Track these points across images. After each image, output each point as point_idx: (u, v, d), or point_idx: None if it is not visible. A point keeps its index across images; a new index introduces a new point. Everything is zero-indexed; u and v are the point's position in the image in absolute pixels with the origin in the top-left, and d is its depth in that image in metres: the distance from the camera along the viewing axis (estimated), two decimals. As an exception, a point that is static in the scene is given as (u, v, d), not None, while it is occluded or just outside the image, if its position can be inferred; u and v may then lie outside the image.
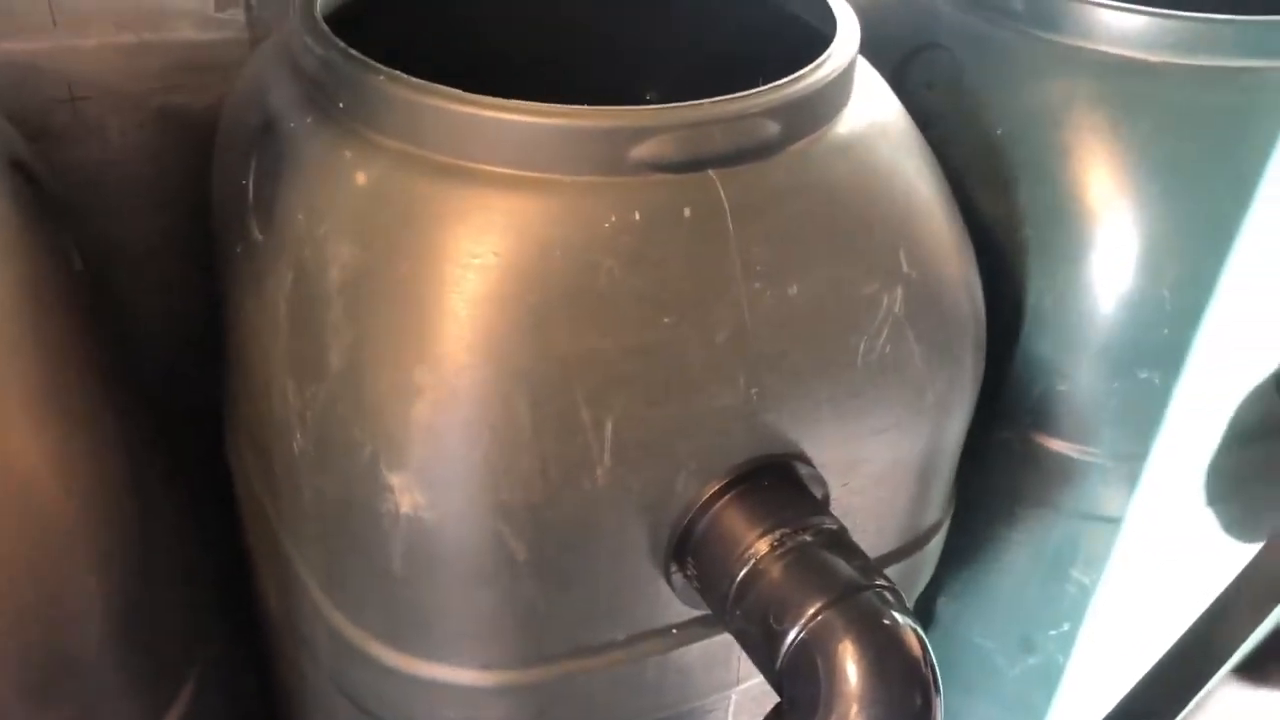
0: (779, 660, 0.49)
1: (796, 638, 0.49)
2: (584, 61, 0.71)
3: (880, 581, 0.51)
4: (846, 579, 0.50)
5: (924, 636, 0.49)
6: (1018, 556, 0.77)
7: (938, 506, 0.66)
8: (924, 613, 0.84)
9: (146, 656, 0.54)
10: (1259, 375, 0.70)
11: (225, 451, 0.71)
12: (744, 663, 0.61)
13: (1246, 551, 0.82)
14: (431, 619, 0.54)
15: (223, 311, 0.66)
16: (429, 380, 0.49)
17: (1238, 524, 0.80)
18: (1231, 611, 0.82)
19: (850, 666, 0.48)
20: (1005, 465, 0.74)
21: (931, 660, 0.49)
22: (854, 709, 0.47)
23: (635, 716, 0.60)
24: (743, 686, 0.62)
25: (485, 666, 0.55)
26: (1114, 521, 0.74)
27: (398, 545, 0.52)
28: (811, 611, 0.49)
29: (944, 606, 0.83)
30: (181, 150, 0.79)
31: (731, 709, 0.63)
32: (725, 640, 0.59)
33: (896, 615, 0.49)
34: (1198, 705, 0.71)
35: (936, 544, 0.68)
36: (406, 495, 0.50)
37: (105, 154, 0.77)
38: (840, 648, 0.48)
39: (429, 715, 0.57)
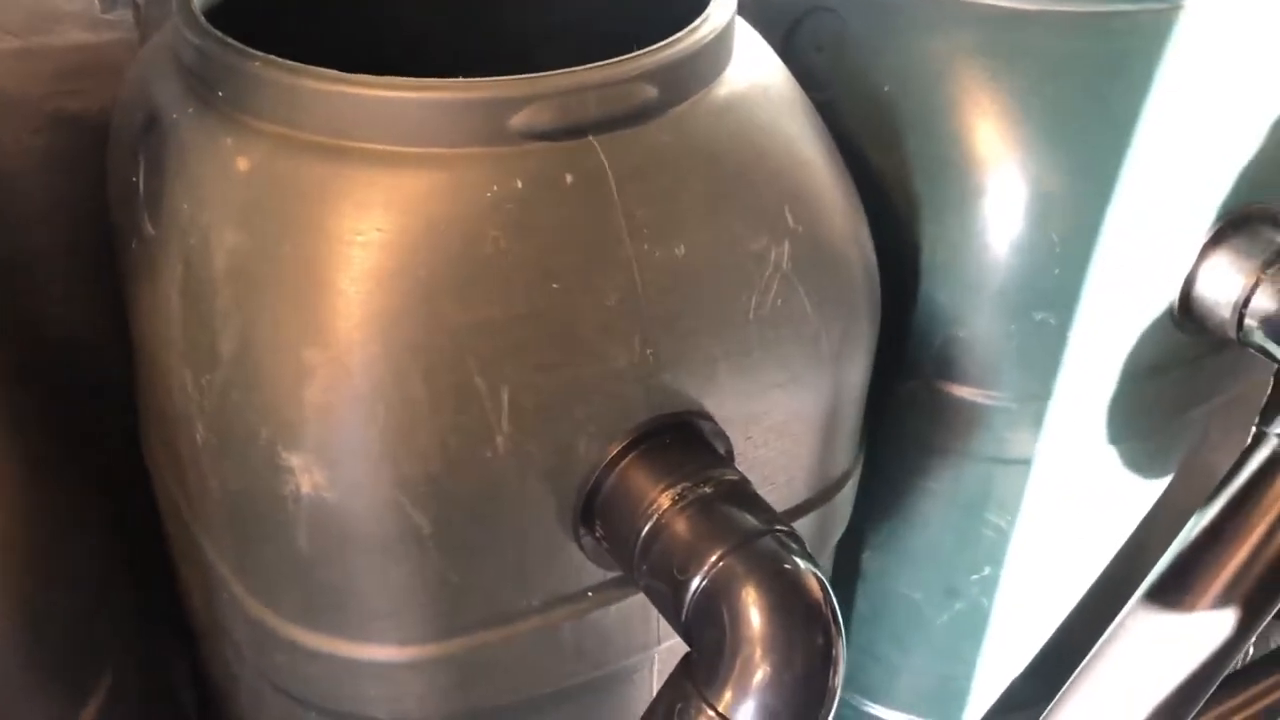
0: (684, 611, 0.50)
1: (699, 586, 0.50)
2: (467, 40, 0.72)
3: (780, 527, 0.52)
4: (746, 527, 0.51)
5: (825, 579, 0.51)
6: (934, 504, 0.79)
7: (846, 456, 0.68)
8: (850, 566, 0.86)
9: (55, 660, 0.54)
10: (1153, 310, 0.72)
11: (142, 452, 0.70)
12: (663, 622, 0.62)
13: (1158, 485, 0.84)
14: (344, 598, 0.54)
15: (125, 310, 0.66)
16: (320, 360, 0.50)
17: (1146, 459, 0.82)
18: (1147, 545, 0.85)
19: (752, 611, 0.49)
20: (914, 414, 0.76)
21: (833, 601, 0.50)
22: (758, 652, 0.48)
23: (557, 682, 0.61)
24: (664, 645, 0.63)
25: (402, 642, 0.55)
26: (1024, 463, 0.76)
27: (303, 527, 0.52)
28: (713, 559, 0.50)
29: (869, 560, 0.85)
30: (79, 155, 0.78)
31: (655, 668, 0.64)
32: (642, 600, 0.59)
33: (797, 559, 0.51)
34: (1114, 633, 0.73)
35: (848, 493, 0.70)
36: (306, 476, 0.51)
37: (1, 163, 0.76)
38: (742, 593, 0.49)
39: (352, 695, 0.58)
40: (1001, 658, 0.88)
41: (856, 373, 0.64)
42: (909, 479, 0.79)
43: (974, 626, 0.84)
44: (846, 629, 0.90)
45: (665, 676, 0.63)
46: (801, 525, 0.66)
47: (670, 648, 0.64)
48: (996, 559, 0.81)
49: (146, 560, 0.74)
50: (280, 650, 0.58)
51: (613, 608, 0.59)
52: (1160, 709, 0.71)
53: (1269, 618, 0.70)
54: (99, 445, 0.73)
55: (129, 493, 0.71)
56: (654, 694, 0.57)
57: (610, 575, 0.58)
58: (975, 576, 0.81)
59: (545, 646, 0.59)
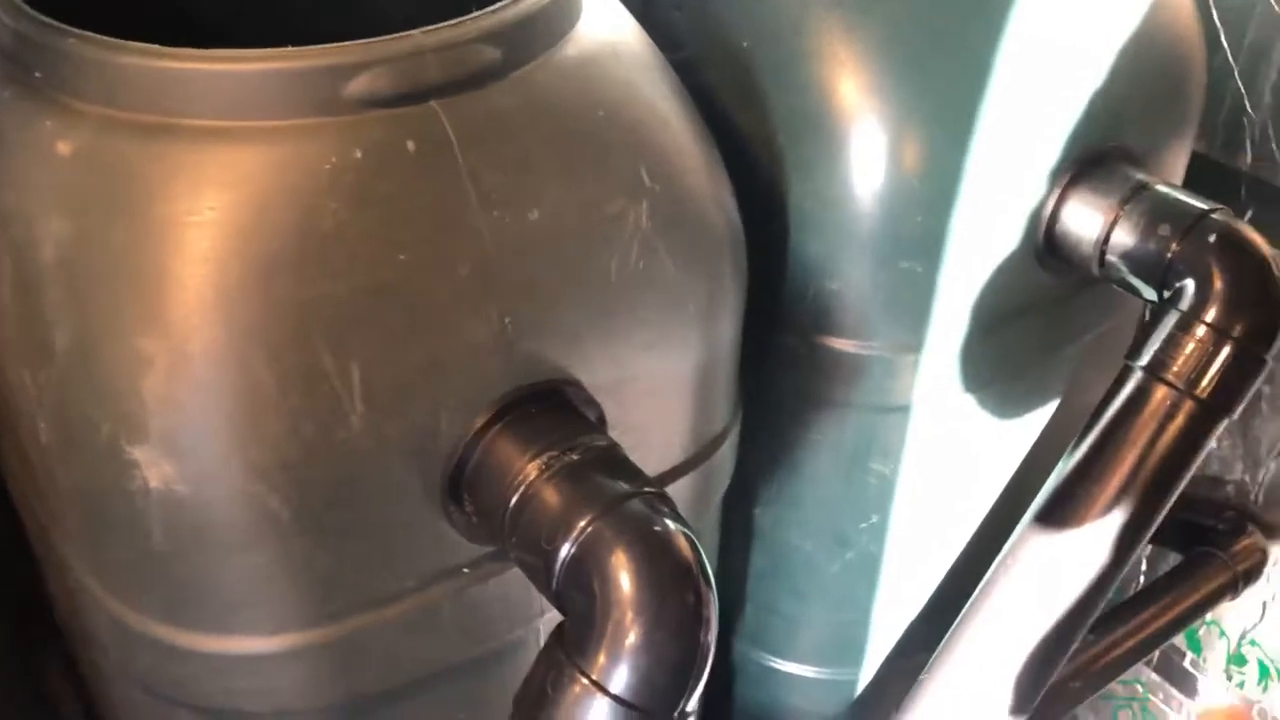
0: (555, 580, 0.50)
1: (568, 554, 0.49)
2: (305, 10, 0.69)
3: (648, 489, 0.51)
4: (613, 491, 0.51)
5: (694, 538, 0.50)
6: (820, 456, 0.80)
7: (722, 413, 0.68)
8: (745, 523, 0.86)
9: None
10: (1018, 252, 0.73)
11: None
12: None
13: (1037, 423, 0.86)
14: (205, 591, 0.53)
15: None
16: (159, 349, 0.48)
17: (1023, 399, 0.83)
18: (1029, 483, 0.86)
19: (621, 574, 0.48)
20: (794, 368, 0.76)
21: (703, 560, 0.50)
22: (629, 615, 0.48)
23: (440, 661, 0.60)
24: (547, 617, 0.62)
25: (270, 631, 0.54)
26: (903, 410, 0.77)
27: (155, 522, 0.50)
28: (581, 525, 0.49)
29: (761, 515, 0.85)
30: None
31: (540, 641, 0.64)
32: (520, 573, 0.59)
33: (666, 521, 0.50)
34: (998, 569, 0.74)
35: (728, 450, 0.70)
36: (154, 469, 0.49)
37: None
38: (611, 557, 0.49)
39: (224, 690, 0.56)
40: (897, 603, 0.89)
41: (726, 330, 0.64)
42: (793, 432, 0.79)
43: (867, 574, 0.86)
44: (744, 585, 0.91)
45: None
46: (682, 484, 0.66)
47: (553, 619, 0.63)
48: (883, 506, 0.81)
49: (15, 570, 0.71)
50: (146, 650, 0.56)
51: (491, 582, 0.59)
52: (1046, 638, 0.73)
53: (1144, 544, 0.72)
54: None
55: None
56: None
57: (486, 550, 0.57)
58: (864, 524, 0.82)
59: (425, 627, 0.58)
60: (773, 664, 0.93)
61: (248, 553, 0.51)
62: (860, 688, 0.95)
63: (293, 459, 0.49)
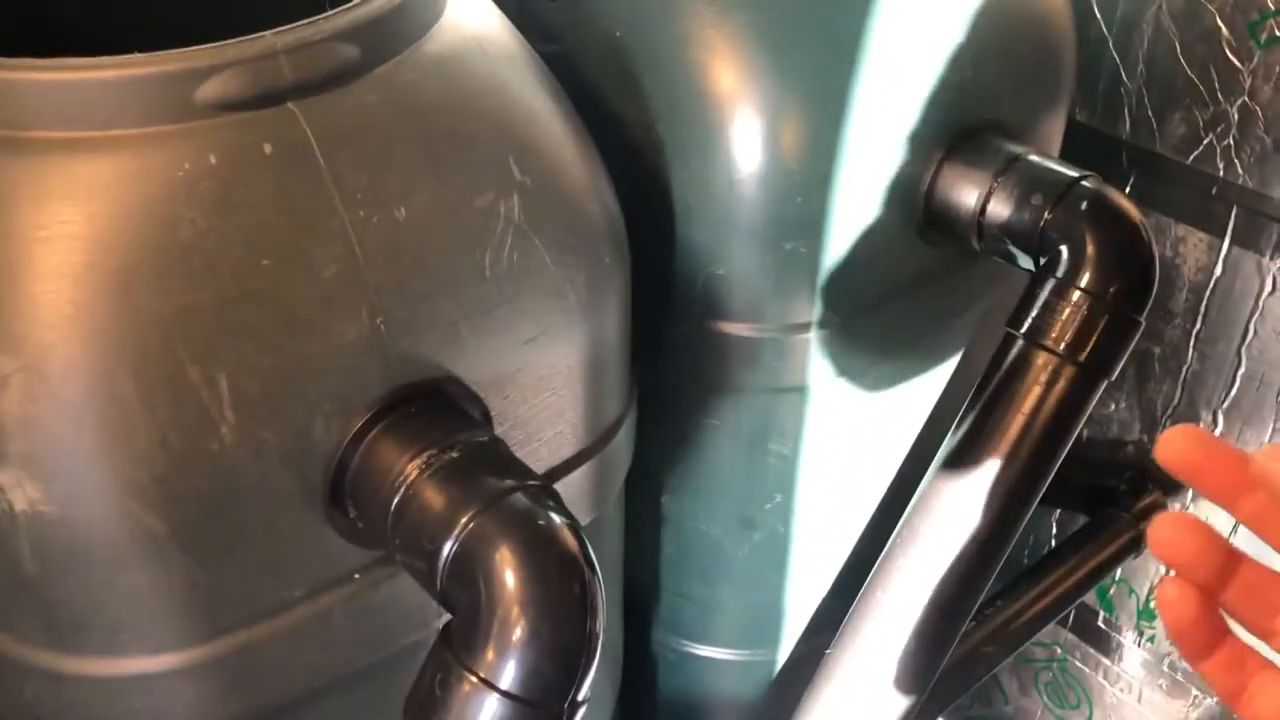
0: (439, 580, 0.49)
1: (451, 552, 0.49)
2: (135, 13, 0.68)
3: (531, 483, 0.51)
4: (494, 487, 0.51)
5: (579, 527, 0.51)
6: (720, 440, 0.80)
7: (615, 403, 0.68)
8: (653, 511, 0.86)
9: None
10: (898, 229, 0.74)
11: None
12: (442, 594, 0.61)
13: (931, 397, 0.88)
14: (86, 614, 0.51)
15: None
16: (13, 368, 0.46)
17: (916, 373, 0.85)
18: (926, 455, 0.88)
19: (505, 570, 0.48)
20: (689, 354, 0.76)
21: (588, 550, 0.50)
22: (515, 610, 0.48)
23: (337, 669, 0.59)
24: (444, 620, 0.62)
25: (158, 650, 0.53)
26: (798, 390, 0.78)
27: (24, 547, 0.49)
28: (463, 522, 0.49)
29: (669, 502, 0.85)
30: None
31: (441, 641, 0.63)
32: (411, 577, 0.58)
33: (549, 514, 0.50)
34: (894, 541, 0.75)
35: (623, 438, 0.70)
36: (19, 492, 0.47)
37: None
38: (494, 553, 0.48)
39: (116, 713, 0.55)
40: (808, 582, 0.90)
41: (611, 320, 0.64)
42: (693, 418, 0.80)
43: (775, 555, 0.86)
44: (657, 574, 0.91)
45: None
46: (578, 476, 0.66)
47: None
48: (786, 486, 0.82)
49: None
50: (29, 678, 0.54)
51: (382, 588, 0.58)
52: (943, 603, 0.74)
53: (1032, 509, 0.74)
54: None
55: None
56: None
57: (374, 556, 0.57)
58: (768, 505, 0.83)
59: (318, 636, 0.57)
60: (690, 649, 0.94)
61: (125, 572, 0.50)
62: (779, 668, 0.96)
63: (164, 473, 0.48)
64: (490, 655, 0.47)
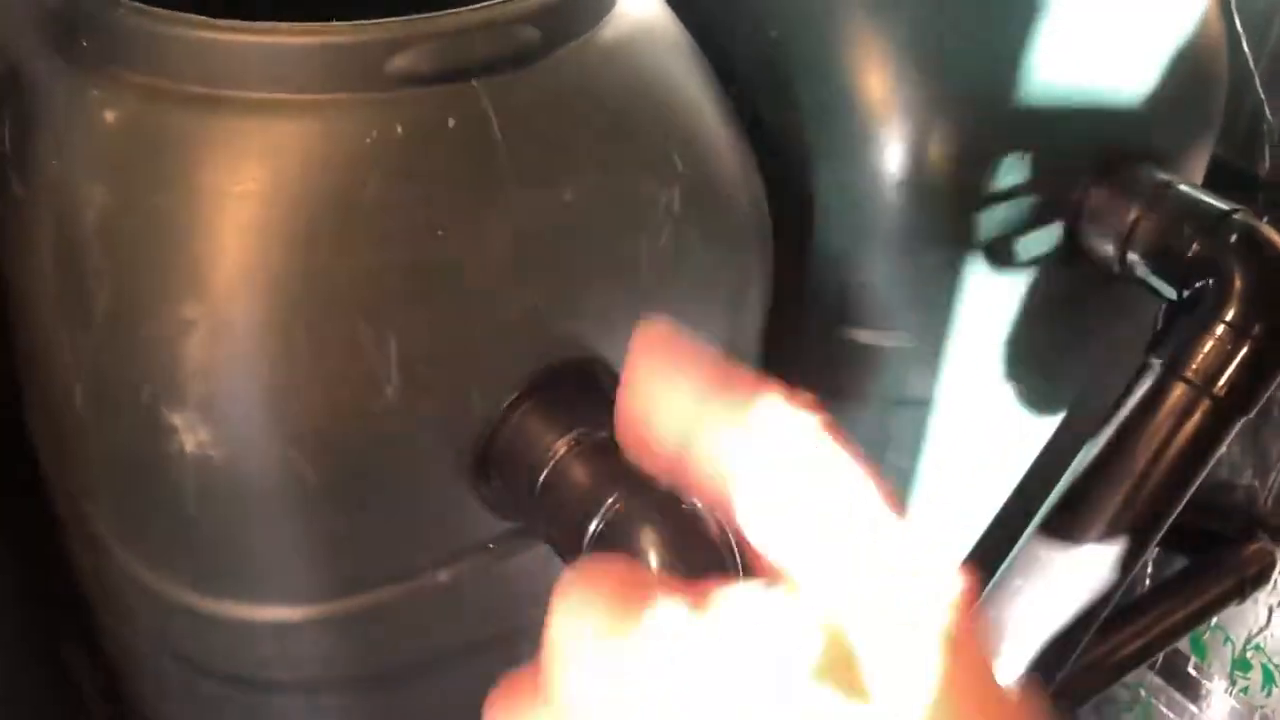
0: (582, 556, 0.50)
1: (597, 530, 0.50)
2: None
3: (677, 469, 0.52)
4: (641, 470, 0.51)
5: (721, 517, 0.51)
6: (838, 448, 0.80)
7: (745, 402, 0.68)
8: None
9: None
10: (1041, 248, 0.74)
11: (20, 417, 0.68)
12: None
13: (1054, 419, 0.87)
14: (236, 559, 0.53)
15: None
16: (199, 314, 0.48)
17: (1041, 394, 0.84)
18: (1044, 479, 0.87)
19: (651, 551, 0.49)
20: (814, 359, 0.76)
21: (729, 538, 0.50)
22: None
23: (461, 638, 0.60)
24: (570, 595, 0.63)
25: (297, 601, 0.54)
26: (923, 404, 0.78)
27: (189, 487, 0.51)
28: (610, 503, 0.50)
29: (776, 506, 0.85)
30: None
31: (561, 619, 0.64)
32: (544, 552, 0.59)
33: (694, 500, 0.51)
34: (1008, 568, 0.75)
35: (749, 439, 0.70)
36: (190, 435, 0.49)
37: None
38: (639, 535, 0.49)
39: (252, 658, 0.57)
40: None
41: (751, 318, 0.65)
42: (812, 424, 0.80)
43: (880, 567, 0.86)
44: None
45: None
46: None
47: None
48: (900, 499, 0.82)
49: (33, 552, 0.71)
50: (176, 617, 0.56)
51: (514, 560, 0.59)
52: (1053, 639, 0.73)
53: (1154, 545, 0.73)
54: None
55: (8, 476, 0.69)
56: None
57: (510, 527, 0.58)
58: (879, 517, 0.83)
59: (448, 602, 0.58)
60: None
61: (278, 520, 0.52)
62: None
63: (326, 427, 0.50)
64: (631, 634, 0.48)
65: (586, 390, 0.56)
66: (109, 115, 0.50)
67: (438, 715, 0.64)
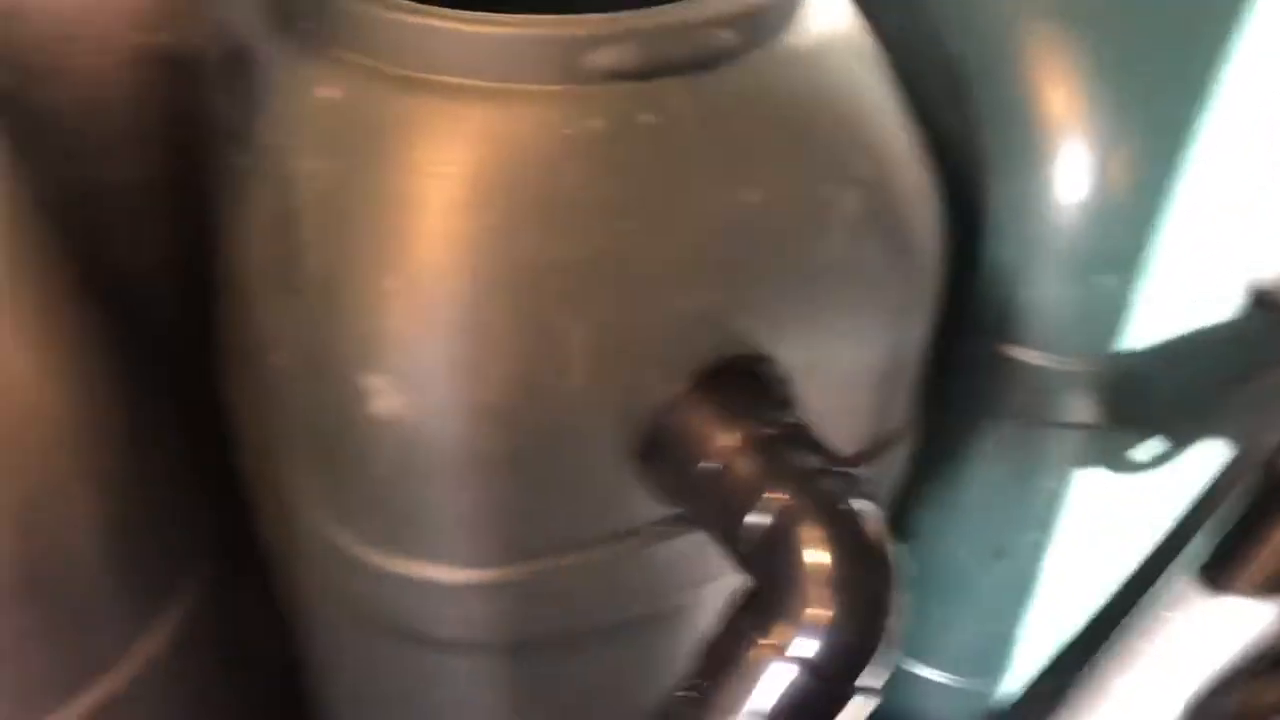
0: (744, 549, 0.51)
1: (760, 525, 0.51)
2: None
3: (842, 468, 0.53)
4: (809, 466, 0.52)
5: (884, 520, 0.52)
6: (988, 466, 0.80)
7: (901, 413, 0.68)
8: (901, 524, 0.86)
9: (136, 565, 0.56)
10: (1225, 288, 0.72)
11: (214, 379, 0.72)
12: (714, 561, 0.63)
13: (1214, 463, 0.84)
14: (419, 521, 0.56)
15: (207, 240, 0.68)
16: (404, 287, 0.51)
17: (1202, 432, 0.82)
18: (1197, 522, 0.85)
19: (812, 549, 0.50)
20: (973, 375, 0.76)
21: (891, 543, 0.51)
22: (819, 588, 0.49)
23: (613, 614, 0.62)
24: (715, 585, 0.64)
25: (471, 564, 0.57)
26: (1081, 428, 0.76)
27: (380, 448, 0.54)
28: (775, 498, 0.51)
29: (919, 518, 0.85)
30: (165, 89, 0.80)
31: (706, 607, 0.66)
32: (696, 539, 0.61)
33: (859, 500, 0.52)
34: (1152, 612, 0.73)
35: (900, 451, 0.70)
36: (384, 398, 0.52)
37: (90, 94, 0.77)
38: (803, 532, 0.50)
39: (423, 615, 0.60)
40: (1045, 623, 0.88)
41: (919, 329, 0.65)
42: (964, 439, 0.79)
43: (1019, 588, 0.85)
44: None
45: (715, 615, 0.64)
46: (856, 474, 0.67)
47: (719, 587, 0.65)
48: (1046, 523, 0.81)
49: (217, 498, 0.75)
50: (356, 574, 0.59)
51: (670, 544, 0.61)
52: (1204, 691, 0.72)
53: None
54: (170, 377, 0.75)
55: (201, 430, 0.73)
56: (703, 632, 0.59)
57: (667, 513, 0.59)
58: (1024, 539, 0.82)
59: (604, 577, 0.60)
60: (913, 669, 0.93)
61: (458, 486, 0.54)
62: (994, 701, 0.94)
63: (513, 402, 0.52)
64: (789, 626, 0.49)
65: (753, 387, 0.57)
66: (325, 92, 0.53)
67: (586, 689, 0.66)
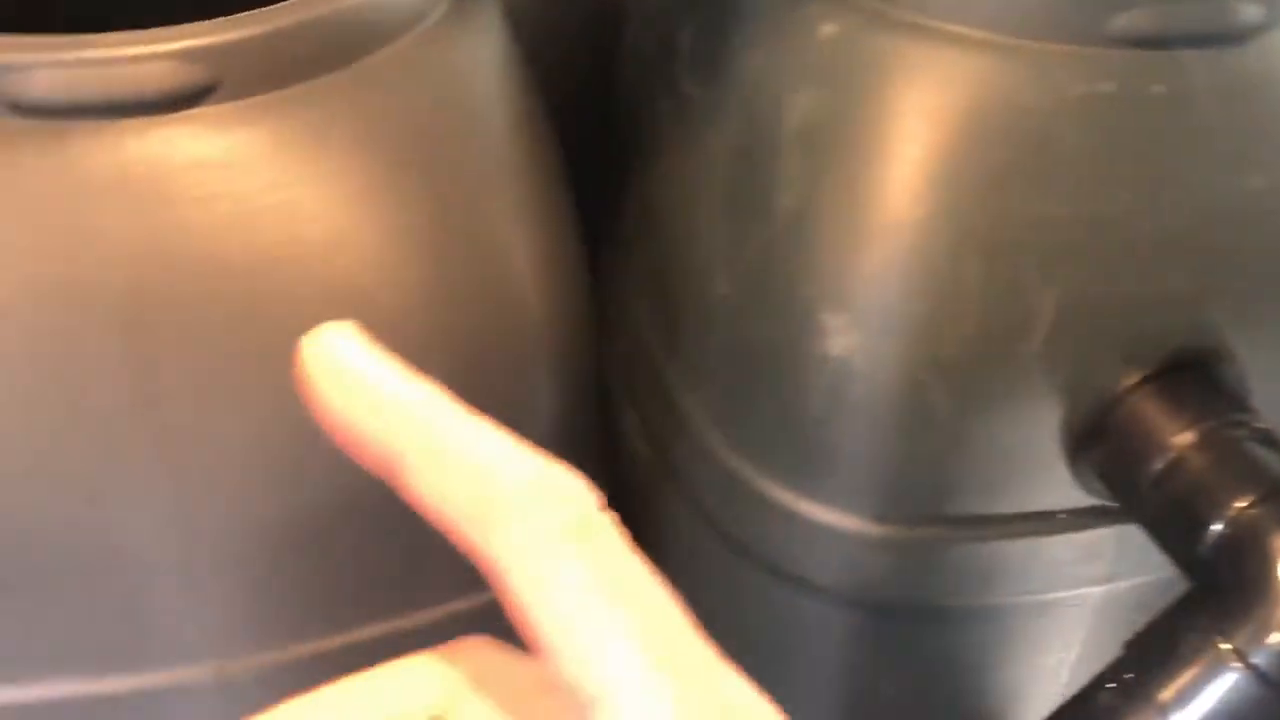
0: (1200, 552, 0.49)
1: (1221, 531, 0.48)
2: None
3: (1313, 481, 0.49)
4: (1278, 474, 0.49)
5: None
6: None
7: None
8: None
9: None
10: None
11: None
12: (1118, 562, 0.60)
13: None
14: (839, 463, 0.56)
15: (621, 170, 0.70)
16: (880, 230, 0.51)
17: None
18: None
19: (1281, 559, 0.47)
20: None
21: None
22: (1284, 602, 0.46)
23: (995, 596, 0.61)
24: (1109, 587, 0.62)
25: (877, 518, 0.57)
26: None
27: (821, 387, 0.54)
28: (1241, 505, 0.48)
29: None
30: (577, 19, 0.83)
31: (1092, 606, 0.63)
32: (1104, 535, 0.59)
33: (1332, 519, 0.48)
34: None
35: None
36: (840, 338, 0.52)
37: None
38: (1272, 540, 0.47)
39: (810, 560, 0.60)
40: None
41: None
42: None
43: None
44: None
45: (1101, 617, 0.62)
46: None
47: (1112, 590, 0.62)
48: None
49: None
50: (748, 504, 0.60)
51: (1075, 536, 0.58)
52: None
53: None
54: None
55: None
56: (1084, 632, 0.57)
57: (1086, 504, 0.57)
58: None
59: (997, 557, 0.59)
60: None
61: (893, 438, 0.54)
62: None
63: (969, 361, 0.51)
64: (1249, 634, 0.46)
65: (1213, 384, 0.54)
66: (826, 29, 0.54)
67: (944, 663, 0.65)
